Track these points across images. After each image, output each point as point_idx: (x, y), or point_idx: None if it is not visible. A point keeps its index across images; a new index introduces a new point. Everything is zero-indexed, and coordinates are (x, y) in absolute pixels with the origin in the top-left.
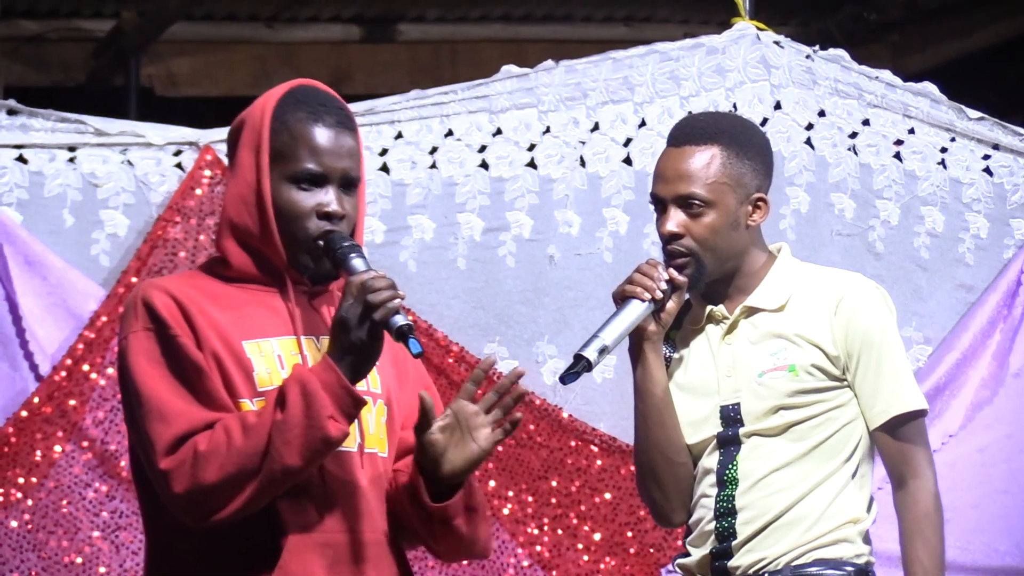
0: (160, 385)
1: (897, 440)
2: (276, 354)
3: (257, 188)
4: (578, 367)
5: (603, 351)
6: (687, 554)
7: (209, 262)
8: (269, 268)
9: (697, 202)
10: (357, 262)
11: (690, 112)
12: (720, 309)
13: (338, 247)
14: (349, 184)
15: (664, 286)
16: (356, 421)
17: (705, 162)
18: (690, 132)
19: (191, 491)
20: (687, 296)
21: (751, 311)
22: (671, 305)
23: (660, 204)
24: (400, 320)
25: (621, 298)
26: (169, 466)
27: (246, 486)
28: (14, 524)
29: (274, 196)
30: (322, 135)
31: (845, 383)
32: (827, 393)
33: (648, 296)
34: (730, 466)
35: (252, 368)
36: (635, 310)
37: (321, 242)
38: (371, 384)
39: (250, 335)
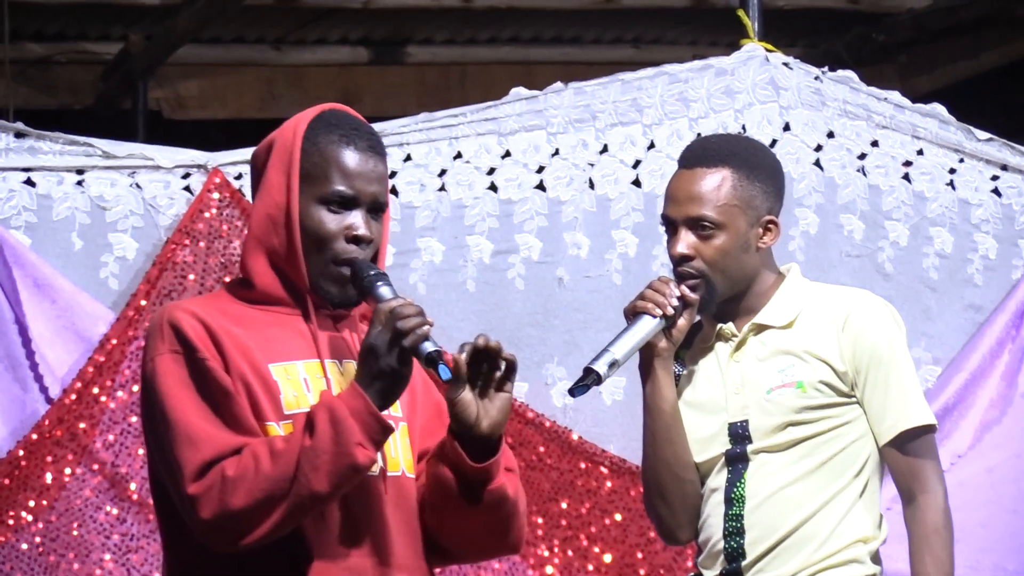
0: (188, 409)
1: (906, 456)
2: (302, 377)
3: (286, 208)
4: (588, 380)
5: (613, 365)
6: (699, 574)
7: (232, 284)
8: (293, 290)
9: (708, 224)
10: (384, 290)
11: (699, 134)
12: (729, 327)
13: (365, 275)
14: (377, 209)
15: (676, 303)
16: None
17: (716, 184)
18: (701, 154)
19: (219, 516)
20: (697, 316)
21: (760, 328)
22: (682, 322)
23: (671, 226)
24: (430, 347)
25: (632, 314)
26: (197, 491)
27: (274, 512)
28: (25, 547)
29: (303, 217)
30: (353, 158)
31: (853, 399)
32: (835, 409)
33: (659, 312)
34: (738, 484)
35: (279, 391)
36: (646, 326)
37: (346, 269)
38: (392, 408)
39: (276, 358)
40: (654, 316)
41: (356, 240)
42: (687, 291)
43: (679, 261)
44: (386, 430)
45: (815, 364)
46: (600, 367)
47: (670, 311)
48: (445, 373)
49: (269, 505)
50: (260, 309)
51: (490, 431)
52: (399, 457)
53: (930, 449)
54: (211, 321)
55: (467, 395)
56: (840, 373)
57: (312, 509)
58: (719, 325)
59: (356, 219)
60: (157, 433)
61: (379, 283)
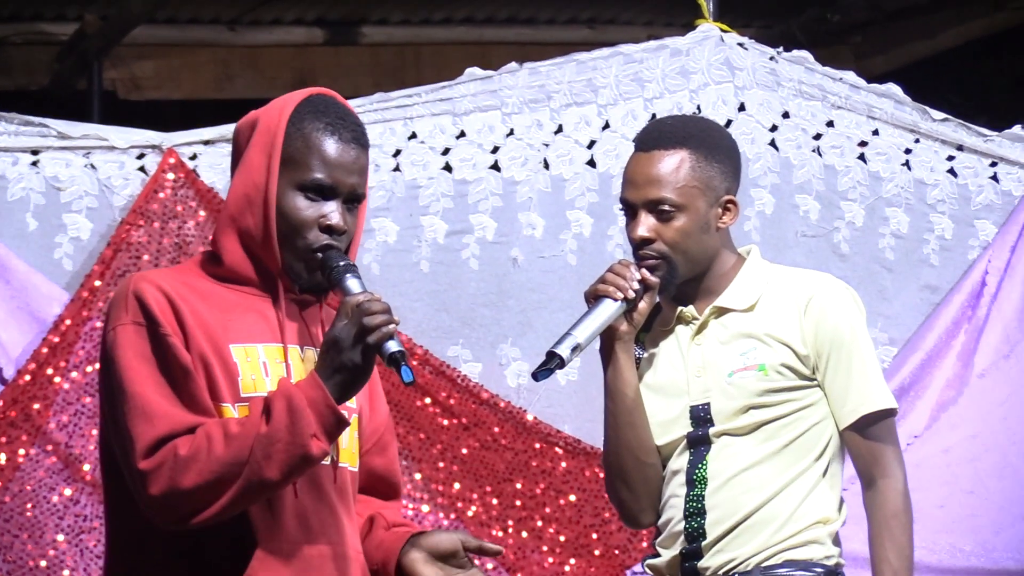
0: (146, 383)
1: (867, 439)
2: (262, 360)
3: (264, 190)
4: (551, 364)
5: (576, 349)
6: (657, 555)
7: (202, 257)
8: (262, 271)
9: (667, 207)
10: (352, 283)
11: (654, 114)
12: (690, 310)
13: (334, 265)
14: (354, 200)
15: (636, 286)
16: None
17: (674, 166)
18: (658, 136)
19: (167, 494)
20: (658, 298)
21: (721, 311)
22: (643, 305)
23: (630, 209)
24: (394, 346)
25: (593, 297)
26: (148, 467)
27: (222, 494)
28: None
29: (279, 200)
30: (336, 148)
31: (815, 383)
32: (797, 392)
33: (620, 296)
34: (700, 466)
35: (238, 373)
36: (607, 309)
37: (319, 254)
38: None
39: (238, 339)
40: (615, 299)
41: (329, 230)
42: (647, 274)
43: (640, 244)
44: (341, 423)
45: (777, 347)
46: (563, 351)
47: (631, 294)
48: (407, 375)
49: (219, 487)
50: (228, 287)
51: None
52: (348, 449)
53: (890, 433)
54: (176, 296)
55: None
56: (802, 356)
57: (261, 495)
58: (679, 308)
59: (331, 209)
60: (113, 403)
61: (348, 275)
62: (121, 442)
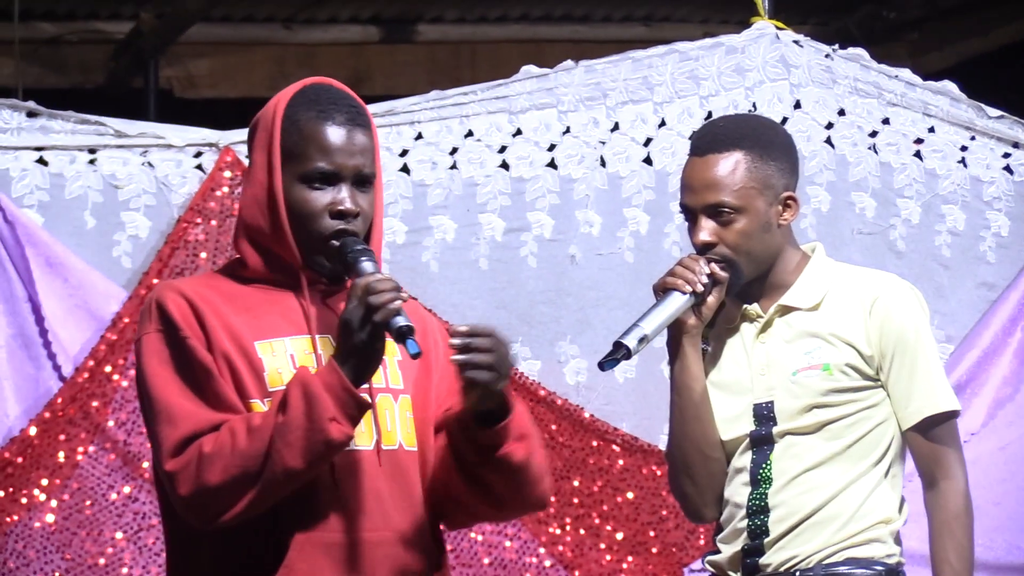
0: (168, 387)
1: (929, 441)
2: (288, 354)
3: (269, 188)
4: (618, 355)
5: (643, 340)
6: (717, 551)
7: (229, 263)
8: (282, 268)
9: (727, 210)
10: (366, 265)
11: (710, 112)
12: (755, 308)
13: (349, 251)
14: (363, 181)
15: (705, 279)
16: (373, 419)
17: (730, 169)
18: (712, 139)
19: (195, 493)
20: (724, 292)
21: (786, 310)
22: (711, 300)
23: (690, 214)
24: (401, 321)
25: (662, 290)
26: (175, 468)
27: (249, 489)
28: (37, 526)
29: (287, 196)
30: (333, 133)
31: (878, 383)
32: (861, 393)
33: (689, 289)
34: (764, 465)
35: (263, 368)
36: (675, 302)
37: (335, 242)
38: (391, 380)
39: (263, 335)
40: (684, 292)
41: (341, 215)
42: (716, 269)
43: (702, 249)
44: (361, 406)
45: (841, 347)
46: (630, 342)
47: (700, 288)
48: (412, 348)
49: (245, 482)
50: (253, 287)
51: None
52: (395, 430)
53: (953, 435)
54: (197, 299)
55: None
56: (866, 357)
57: (288, 486)
58: (744, 306)
59: (340, 194)
60: (143, 411)
61: (362, 258)
62: (152, 448)
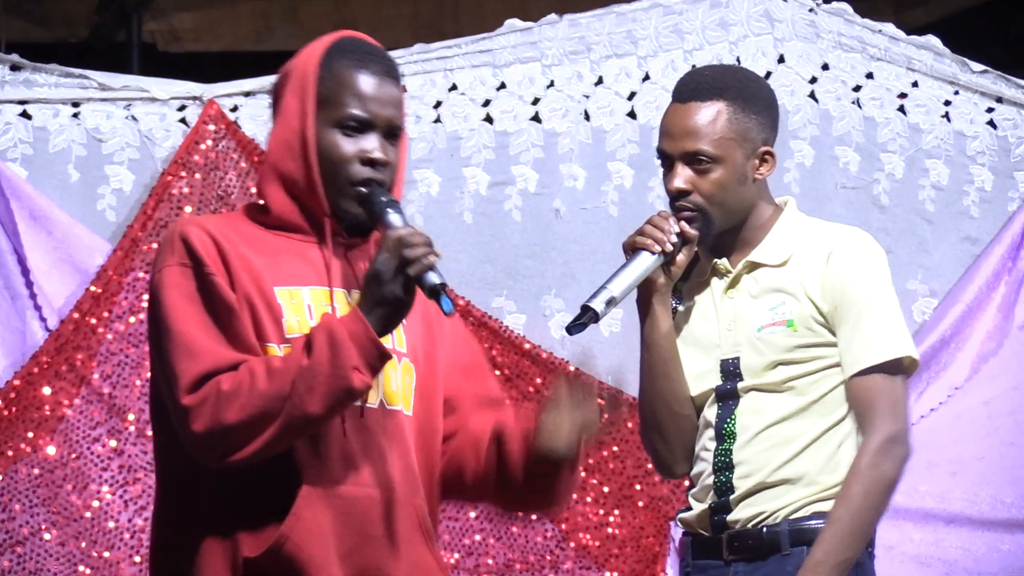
0: (191, 321)
1: (860, 392)
2: (307, 303)
3: (302, 133)
4: (585, 318)
5: (611, 302)
6: (689, 508)
7: (249, 206)
8: (308, 215)
9: (704, 158)
10: (394, 217)
11: (694, 66)
12: (724, 263)
13: (376, 200)
14: (393, 133)
15: (675, 239)
16: (380, 377)
17: (711, 118)
18: (695, 87)
19: (211, 430)
20: (695, 249)
21: (753, 266)
22: (681, 258)
23: (667, 160)
24: (435, 279)
25: (631, 249)
26: (191, 403)
27: (265, 429)
28: (24, 478)
29: (319, 141)
30: (368, 82)
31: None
32: (825, 349)
33: (658, 248)
34: (728, 420)
35: (282, 314)
36: (644, 262)
37: (363, 188)
38: (396, 342)
39: (283, 282)
40: (653, 252)
41: (371, 163)
42: (686, 227)
43: (676, 196)
44: (384, 356)
45: (805, 302)
46: (597, 305)
47: (669, 247)
48: (447, 305)
49: (262, 422)
50: (275, 234)
51: (564, 453)
52: (398, 392)
53: (885, 388)
54: (222, 238)
55: (555, 419)
56: (824, 312)
57: (305, 430)
58: (714, 260)
59: (372, 143)
60: (158, 343)
61: (390, 210)
62: (166, 379)
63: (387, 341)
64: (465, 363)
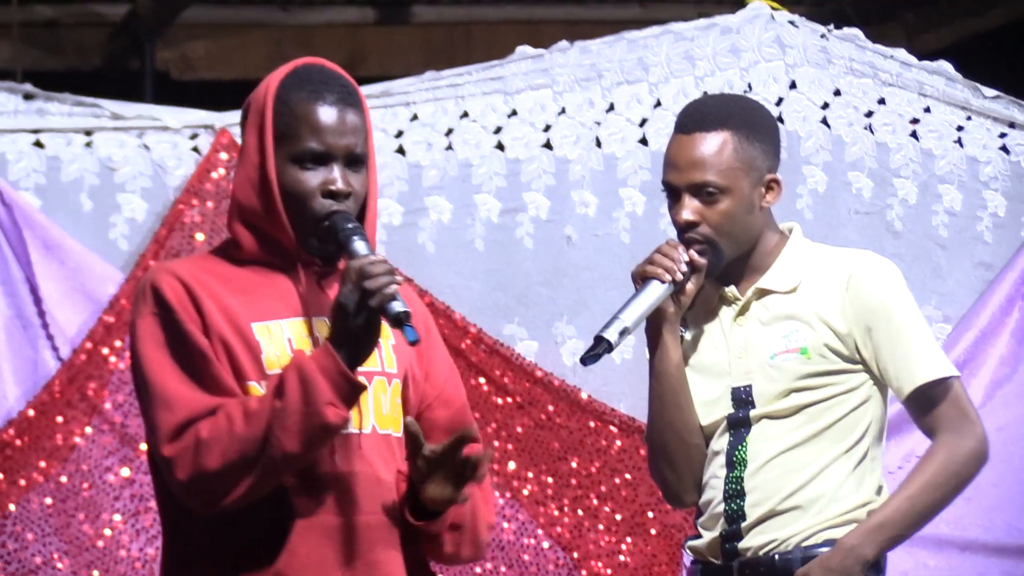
0: (164, 370)
1: (929, 407)
2: (286, 336)
3: (262, 169)
4: (599, 349)
5: (624, 332)
6: (698, 536)
7: (223, 244)
8: (278, 250)
9: (712, 189)
10: (359, 245)
11: (705, 92)
12: (732, 290)
13: (340, 229)
14: (355, 161)
15: (684, 267)
16: (368, 403)
17: (717, 148)
18: (699, 118)
19: (194, 478)
20: (703, 279)
21: (763, 293)
22: (690, 287)
23: (673, 192)
24: (398, 307)
25: (641, 278)
26: (172, 453)
27: (248, 473)
28: (36, 508)
29: (279, 177)
30: (324, 113)
31: (857, 365)
32: (839, 376)
33: (669, 277)
34: (740, 447)
35: (260, 351)
36: (655, 291)
37: (327, 223)
38: (386, 364)
39: (259, 317)
40: (663, 281)
41: (333, 195)
42: (696, 256)
43: (685, 228)
44: (356, 389)
45: (819, 328)
46: (611, 335)
47: (679, 276)
48: (411, 335)
49: (243, 466)
50: (248, 269)
51: (430, 503)
52: (389, 415)
53: (955, 395)
54: (192, 281)
55: (423, 466)
56: (842, 336)
57: (286, 469)
58: (722, 288)
59: (332, 174)
60: (139, 394)
61: (354, 237)
62: (148, 430)
63: (375, 364)
64: (448, 395)
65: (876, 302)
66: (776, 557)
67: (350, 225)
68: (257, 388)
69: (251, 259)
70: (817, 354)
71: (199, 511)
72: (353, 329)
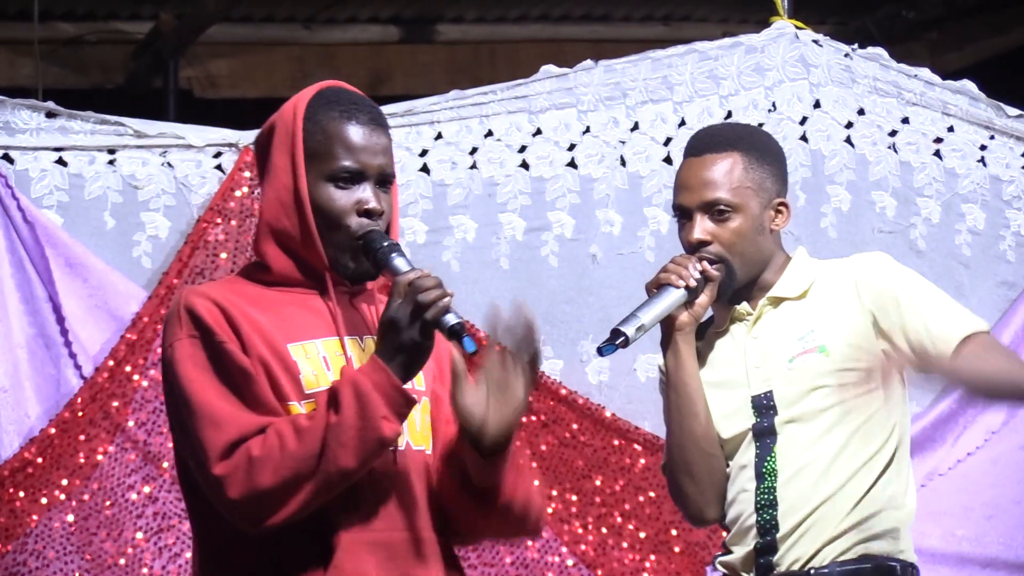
0: (209, 391)
1: (968, 357)
2: (321, 356)
3: (294, 189)
4: (616, 340)
5: (640, 329)
6: (728, 552)
7: (248, 267)
8: (309, 270)
9: (723, 207)
10: (399, 262)
11: (730, 112)
12: (743, 306)
13: (379, 247)
14: (384, 181)
15: (697, 275)
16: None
17: (727, 168)
18: (709, 141)
19: (247, 496)
20: (716, 294)
21: (776, 301)
22: (704, 299)
23: (685, 214)
24: (452, 319)
25: (656, 287)
26: (223, 472)
27: (301, 489)
28: (58, 526)
29: (312, 196)
30: (357, 133)
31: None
32: (860, 373)
33: (682, 283)
34: (768, 458)
35: (298, 371)
36: (670, 296)
37: (361, 241)
38: (416, 382)
39: (294, 338)
40: (676, 287)
41: (368, 214)
42: (708, 266)
43: (696, 247)
44: (410, 402)
45: (835, 327)
46: (628, 330)
47: (692, 283)
48: (470, 345)
49: (297, 483)
50: (278, 291)
51: (495, 439)
52: (422, 433)
53: (996, 343)
54: (227, 304)
55: (473, 393)
56: (862, 328)
57: (340, 485)
58: (734, 308)
59: (366, 193)
60: (181, 418)
61: (393, 254)
62: (194, 453)
63: (408, 383)
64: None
65: (891, 280)
66: (812, 572)
67: (387, 243)
68: (297, 408)
69: (280, 281)
70: (836, 351)
71: (248, 529)
72: (406, 342)
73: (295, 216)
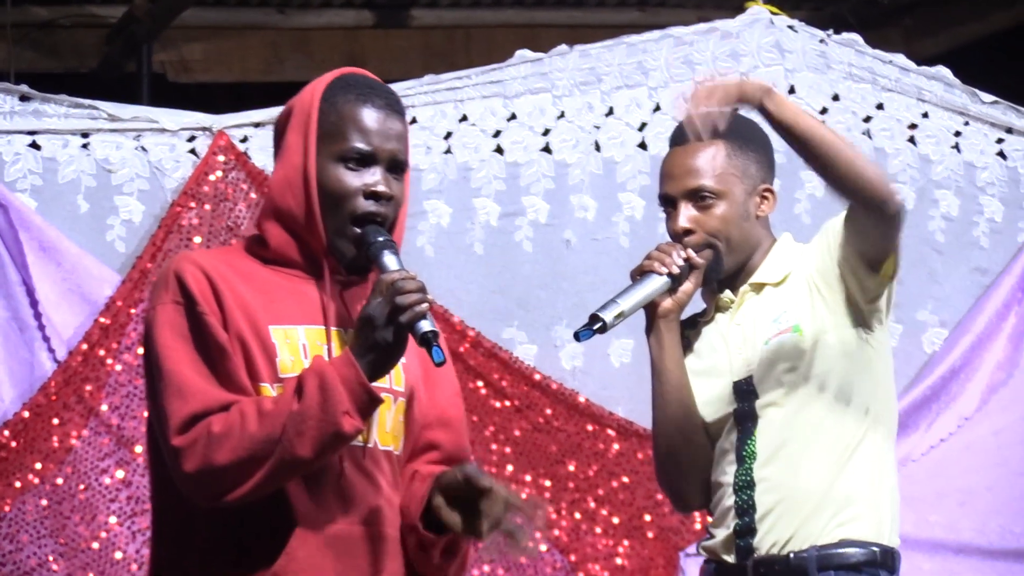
0: (182, 361)
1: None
2: (301, 343)
3: (303, 168)
4: (594, 326)
5: (619, 316)
6: (711, 536)
7: (248, 239)
8: (306, 253)
9: (708, 194)
10: (389, 259)
11: None
12: (728, 295)
13: (372, 241)
14: (396, 167)
15: (681, 262)
16: (375, 417)
17: (710, 156)
18: None
19: (201, 471)
20: (701, 281)
21: (758, 287)
22: (688, 286)
23: (670, 203)
24: (426, 326)
25: (639, 274)
26: (182, 443)
27: (255, 472)
28: (31, 510)
29: (321, 175)
30: (371, 116)
31: (851, 314)
32: (836, 348)
33: (665, 270)
34: (748, 441)
35: (276, 353)
36: (652, 283)
37: (358, 229)
38: (394, 381)
39: (277, 320)
40: (659, 274)
41: (375, 196)
42: (693, 254)
43: (682, 236)
44: (374, 401)
45: (808, 306)
46: (607, 316)
47: (675, 270)
48: (438, 355)
49: (252, 464)
50: (273, 270)
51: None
52: (391, 433)
53: None
54: (216, 276)
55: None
56: (829, 289)
57: (294, 473)
58: (719, 296)
59: (375, 176)
60: (152, 382)
61: (385, 251)
62: (158, 419)
63: (384, 381)
64: (449, 416)
65: (816, 238)
66: (791, 555)
67: (381, 238)
68: (269, 390)
69: (276, 260)
70: (809, 328)
71: (201, 503)
72: (379, 341)
73: (301, 195)
